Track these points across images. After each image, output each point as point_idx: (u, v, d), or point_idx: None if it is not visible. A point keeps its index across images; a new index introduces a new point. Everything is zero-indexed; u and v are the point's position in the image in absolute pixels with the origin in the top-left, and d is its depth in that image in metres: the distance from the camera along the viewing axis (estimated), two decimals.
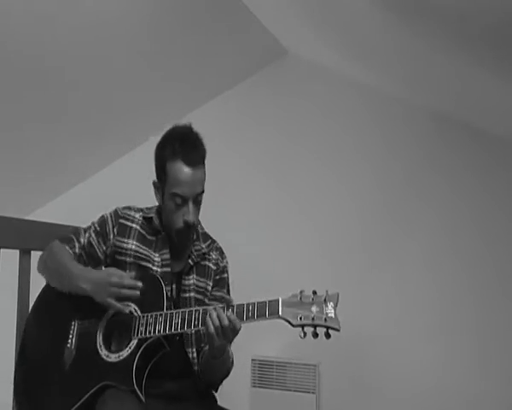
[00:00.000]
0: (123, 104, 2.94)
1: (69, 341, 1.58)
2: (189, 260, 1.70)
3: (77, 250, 1.68)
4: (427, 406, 2.68)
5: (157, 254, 1.66)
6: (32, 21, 2.20)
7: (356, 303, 2.86)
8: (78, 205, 3.22)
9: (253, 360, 2.90)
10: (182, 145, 1.62)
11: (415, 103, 2.86)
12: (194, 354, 1.65)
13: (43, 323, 1.66)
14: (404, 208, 2.84)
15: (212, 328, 1.43)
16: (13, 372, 1.73)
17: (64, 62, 2.49)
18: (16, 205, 3.00)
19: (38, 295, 1.72)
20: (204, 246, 1.75)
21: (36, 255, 1.86)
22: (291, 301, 1.44)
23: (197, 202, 1.64)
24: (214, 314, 1.44)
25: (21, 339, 1.67)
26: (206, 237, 1.79)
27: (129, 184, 3.17)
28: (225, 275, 1.79)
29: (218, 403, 1.72)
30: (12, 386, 1.73)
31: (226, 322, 1.43)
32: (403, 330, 2.76)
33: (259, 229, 3.04)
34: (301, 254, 2.97)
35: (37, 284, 1.81)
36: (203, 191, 1.66)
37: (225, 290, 1.77)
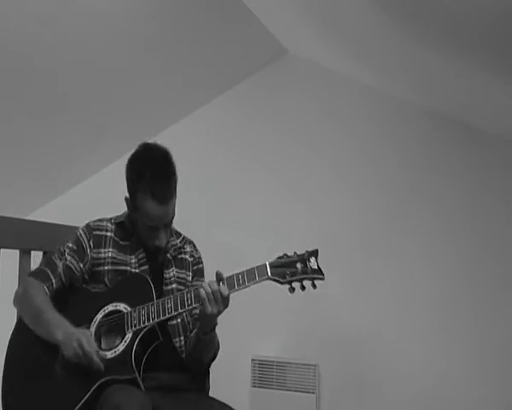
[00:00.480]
0: (123, 104, 2.95)
1: (59, 352, 1.53)
2: (168, 255, 1.75)
3: (54, 286, 1.64)
4: (426, 405, 2.68)
5: (133, 257, 1.70)
6: (32, 18, 2.20)
7: (355, 303, 2.86)
8: (78, 205, 3.22)
9: (252, 360, 2.90)
10: (153, 181, 1.59)
11: (414, 103, 2.87)
12: (182, 343, 1.69)
13: (29, 341, 1.60)
14: (403, 207, 2.84)
15: (204, 293, 1.51)
16: None
17: (64, 63, 2.49)
18: (16, 205, 3.00)
19: (15, 327, 1.67)
20: (178, 241, 1.81)
21: (36, 255, 1.86)
22: (277, 262, 1.59)
23: (167, 226, 1.68)
24: (206, 283, 1.53)
25: (6, 355, 1.62)
26: (178, 234, 1.85)
27: None
28: (201, 265, 1.86)
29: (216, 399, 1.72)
30: None
31: (216, 287, 1.51)
32: (402, 330, 2.76)
33: (259, 227, 3.04)
34: (301, 250, 2.96)
35: None
36: (174, 216, 1.69)
37: (203, 279, 1.83)
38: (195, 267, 1.83)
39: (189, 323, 1.73)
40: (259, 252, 2.96)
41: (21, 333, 1.64)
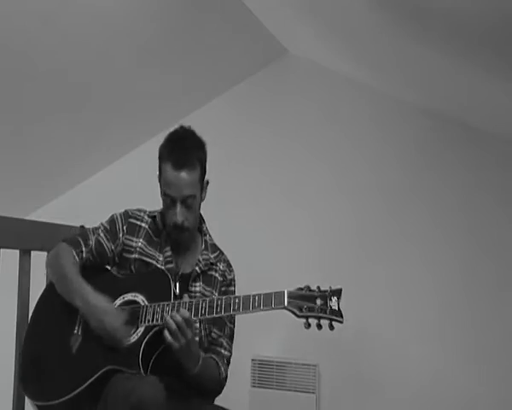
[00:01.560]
0: (123, 104, 2.95)
1: (76, 327, 1.59)
2: (197, 268, 1.71)
3: (84, 254, 1.68)
4: (426, 405, 2.68)
5: (161, 254, 1.69)
6: (34, 20, 2.20)
7: (355, 303, 2.86)
8: (78, 205, 3.22)
9: (252, 360, 2.90)
10: (172, 147, 1.66)
11: (413, 102, 2.87)
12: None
13: (50, 314, 1.67)
14: (401, 207, 2.85)
15: (166, 333, 1.49)
16: (13, 371, 1.74)
17: (65, 62, 2.49)
18: (16, 205, 3.00)
19: (45, 289, 1.73)
20: (212, 256, 1.77)
21: (36, 255, 1.86)
22: (296, 293, 1.52)
23: (187, 205, 1.65)
24: (169, 318, 1.49)
25: (28, 327, 1.68)
26: (215, 248, 1.81)
27: (129, 184, 3.17)
28: (232, 288, 1.81)
29: (216, 401, 1.73)
30: (12, 385, 1.74)
31: (179, 318, 1.48)
32: (402, 330, 2.77)
33: (258, 227, 3.04)
34: (299, 253, 2.97)
35: (38, 284, 1.81)
36: (194, 195, 1.67)
37: None
38: (224, 289, 1.78)
39: (204, 343, 1.71)
40: (257, 255, 2.98)
41: (47, 300, 1.69)
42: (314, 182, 3.03)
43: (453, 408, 2.64)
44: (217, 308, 1.52)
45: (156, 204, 1.79)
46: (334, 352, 2.86)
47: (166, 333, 1.48)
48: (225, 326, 1.76)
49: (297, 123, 3.09)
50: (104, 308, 1.53)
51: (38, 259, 1.88)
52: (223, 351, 1.73)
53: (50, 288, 1.69)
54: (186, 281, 1.69)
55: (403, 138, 2.89)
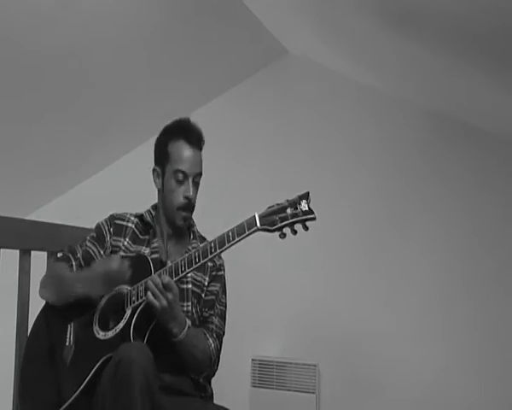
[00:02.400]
0: (123, 105, 2.95)
1: (67, 340, 1.60)
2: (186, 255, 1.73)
3: (74, 267, 1.72)
4: (426, 405, 2.68)
5: (147, 249, 1.74)
6: (33, 18, 2.20)
7: (355, 304, 2.86)
8: (79, 205, 3.22)
9: (253, 360, 2.90)
10: (184, 128, 1.77)
11: (413, 103, 2.87)
12: (189, 308, 1.71)
13: (43, 338, 1.67)
14: (402, 207, 2.84)
15: (150, 289, 1.53)
16: (13, 371, 1.74)
17: (65, 62, 2.49)
18: (16, 205, 3.00)
19: (35, 320, 1.73)
20: (200, 244, 1.79)
21: (36, 255, 1.86)
22: (266, 211, 1.53)
23: (195, 184, 1.75)
24: (148, 280, 1.54)
25: (22, 363, 1.68)
26: (203, 238, 1.86)
27: (129, 184, 3.17)
28: (222, 272, 1.85)
29: (216, 401, 1.73)
30: (12, 385, 1.74)
31: (157, 280, 1.52)
32: (402, 330, 2.76)
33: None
34: (299, 255, 2.96)
35: (38, 284, 1.81)
36: (201, 173, 1.78)
37: (219, 285, 1.81)
38: (214, 273, 1.82)
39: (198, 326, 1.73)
40: (259, 251, 2.98)
41: (36, 331, 1.69)
42: (314, 182, 3.02)
43: (454, 409, 2.64)
44: (195, 259, 1.54)
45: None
46: (334, 352, 2.86)
47: (149, 294, 1.52)
48: (215, 307, 1.79)
49: (297, 123, 3.09)
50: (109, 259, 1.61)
51: (38, 259, 1.88)
52: (211, 326, 1.75)
53: (39, 319, 1.71)
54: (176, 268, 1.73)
55: (403, 139, 2.89)
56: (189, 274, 1.71)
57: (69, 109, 2.79)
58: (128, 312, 1.55)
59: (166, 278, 1.52)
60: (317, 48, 2.90)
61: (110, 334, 1.55)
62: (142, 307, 1.55)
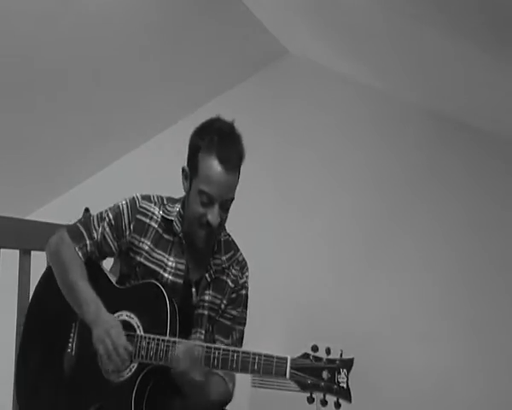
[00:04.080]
0: (123, 105, 2.94)
1: (69, 345, 1.52)
2: (207, 275, 1.58)
3: (88, 248, 1.56)
4: (426, 405, 2.68)
5: (171, 258, 1.55)
6: (32, 20, 2.20)
7: (355, 304, 2.86)
8: (78, 205, 3.21)
9: None
10: (220, 140, 1.49)
11: (414, 103, 2.87)
12: (202, 336, 1.59)
13: (44, 319, 1.60)
14: (403, 208, 2.84)
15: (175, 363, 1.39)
16: (13, 372, 1.74)
17: (65, 62, 2.49)
18: (16, 205, 3.00)
19: (38, 283, 1.65)
20: (225, 259, 1.62)
21: (36, 255, 1.86)
22: (300, 363, 1.36)
23: (224, 209, 1.51)
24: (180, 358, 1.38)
25: (21, 336, 1.62)
26: (229, 246, 1.65)
27: (129, 183, 3.16)
28: (243, 292, 1.65)
29: None
30: (12, 386, 1.73)
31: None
32: (402, 330, 2.76)
33: (257, 228, 3.03)
34: (299, 254, 2.96)
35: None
36: (233, 199, 1.55)
37: (240, 309, 1.64)
38: (234, 295, 1.62)
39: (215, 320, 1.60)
40: (258, 252, 2.97)
41: (44, 295, 1.62)
42: (315, 182, 3.02)
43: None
44: (213, 361, 1.37)
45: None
46: (333, 352, 2.85)
47: (175, 373, 1.38)
48: (233, 331, 1.62)
49: (297, 123, 3.09)
50: (111, 324, 1.43)
51: (38, 259, 1.88)
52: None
53: (47, 278, 1.61)
54: (196, 288, 1.58)
55: (403, 138, 2.88)
56: (207, 297, 1.57)
57: (69, 109, 2.79)
58: (134, 364, 1.42)
59: (194, 355, 1.36)
60: (317, 48, 2.90)
61: (113, 376, 1.44)
62: (149, 368, 1.43)
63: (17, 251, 1.84)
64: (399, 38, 2.20)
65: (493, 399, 2.58)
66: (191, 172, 1.51)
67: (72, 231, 1.59)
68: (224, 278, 1.61)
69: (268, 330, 3.00)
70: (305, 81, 3.09)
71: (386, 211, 2.86)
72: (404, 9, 1.85)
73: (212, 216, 1.46)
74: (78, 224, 1.62)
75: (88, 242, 1.56)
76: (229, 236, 1.68)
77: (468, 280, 2.69)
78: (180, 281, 1.55)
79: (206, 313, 1.58)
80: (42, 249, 1.87)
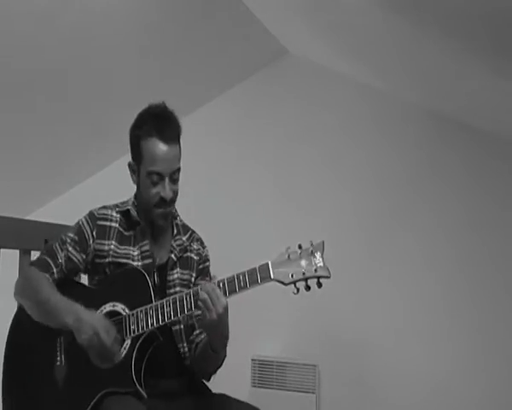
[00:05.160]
0: (123, 105, 2.94)
1: (57, 358, 1.52)
2: (172, 255, 1.67)
3: (56, 275, 1.59)
4: (426, 406, 2.67)
5: (136, 248, 1.62)
6: (32, 20, 2.20)
7: (355, 303, 2.86)
8: (78, 205, 3.21)
9: (253, 360, 2.90)
10: (156, 122, 1.60)
11: (414, 103, 2.87)
12: (186, 349, 1.64)
13: (26, 346, 1.59)
14: (404, 208, 2.84)
15: (200, 303, 1.44)
16: None
17: (65, 62, 2.49)
18: (16, 205, 3.00)
19: (12, 322, 1.64)
20: (184, 239, 1.72)
21: (36, 255, 1.86)
22: (280, 260, 1.47)
23: (173, 180, 1.61)
24: (203, 289, 1.45)
25: (3, 365, 1.58)
26: (186, 228, 1.77)
27: (129, 184, 3.16)
28: (207, 263, 1.78)
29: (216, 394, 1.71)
30: None
31: (214, 292, 1.42)
32: (402, 330, 2.76)
33: (259, 226, 3.04)
34: None
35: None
36: (179, 169, 1.63)
37: (208, 278, 1.73)
38: (201, 266, 1.75)
39: (191, 326, 1.68)
40: (259, 250, 2.97)
41: (19, 333, 1.61)
42: (315, 182, 3.02)
43: None
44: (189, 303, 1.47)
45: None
46: (334, 352, 2.86)
47: (199, 303, 1.43)
48: None
49: (297, 123, 3.09)
50: (97, 324, 1.44)
51: None
52: None
53: (19, 318, 1.61)
54: (164, 271, 1.65)
55: (404, 139, 2.89)
56: (176, 275, 1.66)
57: (69, 109, 2.79)
58: (127, 342, 1.47)
59: (216, 289, 1.43)
60: (318, 48, 2.90)
61: None
62: (143, 338, 1.47)
63: (17, 251, 1.84)
64: (399, 38, 2.20)
65: (495, 400, 2.58)
66: (137, 161, 1.65)
67: (38, 263, 1.62)
68: (188, 254, 1.72)
69: (268, 329, 3.00)
70: (305, 81, 3.09)
71: (387, 210, 2.86)
72: (403, 9, 1.85)
73: (165, 191, 1.58)
74: (42, 255, 1.64)
75: (54, 270, 1.59)
76: (182, 221, 1.79)
77: (470, 279, 2.68)
78: (149, 261, 1.62)
79: (177, 289, 1.64)
80: (42, 249, 1.88)
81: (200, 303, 1.44)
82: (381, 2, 1.88)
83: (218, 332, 1.48)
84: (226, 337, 1.52)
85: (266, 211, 3.06)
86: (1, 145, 2.73)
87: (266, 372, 2.88)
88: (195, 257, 1.74)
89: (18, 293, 1.62)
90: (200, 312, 1.46)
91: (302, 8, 2.39)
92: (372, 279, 2.85)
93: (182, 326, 1.64)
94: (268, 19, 2.74)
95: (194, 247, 1.75)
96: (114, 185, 3.26)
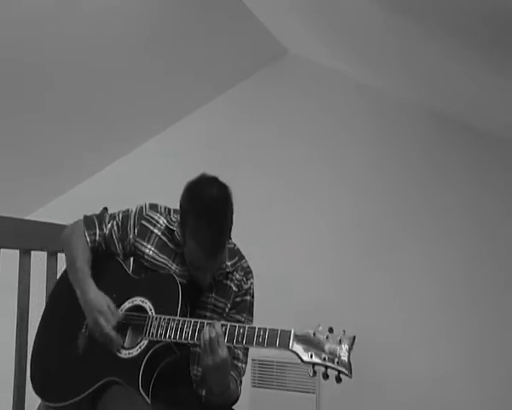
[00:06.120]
0: (123, 105, 2.94)
1: (83, 327, 1.57)
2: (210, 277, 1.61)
3: (96, 237, 1.63)
4: (426, 406, 2.67)
5: (175, 265, 1.60)
6: (34, 20, 2.20)
7: (355, 303, 2.86)
8: (78, 205, 3.21)
9: (253, 360, 2.89)
10: (204, 227, 1.46)
11: (414, 103, 2.87)
12: (198, 373, 1.59)
13: (63, 302, 1.66)
14: (404, 208, 2.84)
15: (201, 341, 1.41)
16: (13, 371, 1.74)
17: (65, 62, 2.49)
18: (16, 205, 3.00)
19: (62, 273, 1.72)
20: (229, 264, 1.65)
21: (36, 255, 1.86)
22: (304, 335, 1.38)
23: (214, 271, 1.57)
24: (206, 330, 1.41)
25: (43, 312, 1.68)
26: (234, 253, 1.69)
27: (129, 184, 3.17)
28: (247, 298, 1.67)
29: None
30: (12, 384, 1.74)
31: (212, 335, 1.39)
32: (402, 330, 2.76)
33: (257, 228, 3.03)
34: (300, 254, 2.96)
35: (38, 284, 1.81)
36: (223, 262, 1.60)
37: (245, 314, 1.66)
38: (238, 299, 1.65)
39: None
40: (259, 251, 2.97)
41: (59, 291, 1.69)
42: (315, 182, 3.02)
43: None
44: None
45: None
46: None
47: (200, 342, 1.41)
48: None
49: (297, 123, 3.09)
50: (99, 308, 1.49)
51: (38, 259, 1.88)
52: (239, 364, 1.63)
53: (63, 277, 1.69)
54: (197, 291, 1.60)
55: (405, 139, 2.88)
56: (210, 299, 1.60)
57: (69, 110, 2.79)
58: (144, 342, 1.47)
59: (220, 331, 1.40)
60: (317, 48, 2.90)
61: (123, 354, 1.48)
62: (159, 345, 1.47)
63: (17, 251, 1.84)
64: (399, 38, 2.20)
65: (494, 398, 2.58)
66: (183, 227, 1.53)
67: (87, 219, 1.69)
68: (228, 282, 1.64)
69: None
70: (305, 81, 3.09)
71: (387, 210, 2.86)
72: (403, 10, 1.85)
73: (203, 281, 1.56)
74: (94, 216, 1.70)
75: (98, 232, 1.64)
76: (235, 245, 1.71)
77: (470, 280, 2.68)
78: (184, 281, 1.57)
79: (208, 314, 1.59)
80: (42, 249, 1.88)
81: (201, 342, 1.41)
82: (381, 2, 1.88)
83: (212, 377, 1.45)
84: (223, 385, 1.49)
85: (264, 210, 3.06)
86: (1, 145, 2.73)
87: (266, 372, 2.88)
88: (235, 288, 1.64)
89: (62, 240, 1.70)
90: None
91: (302, 9, 2.39)
92: (372, 279, 2.85)
93: (208, 314, 1.60)
94: (268, 19, 2.74)
95: (237, 277, 1.65)
96: (114, 185, 3.28)
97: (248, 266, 1.70)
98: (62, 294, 1.67)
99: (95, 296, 1.52)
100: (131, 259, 1.71)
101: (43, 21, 2.23)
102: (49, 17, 2.22)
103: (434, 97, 2.76)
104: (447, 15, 1.72)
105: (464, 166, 2.76)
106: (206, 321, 1.45)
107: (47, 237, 1.88)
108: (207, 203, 1.50)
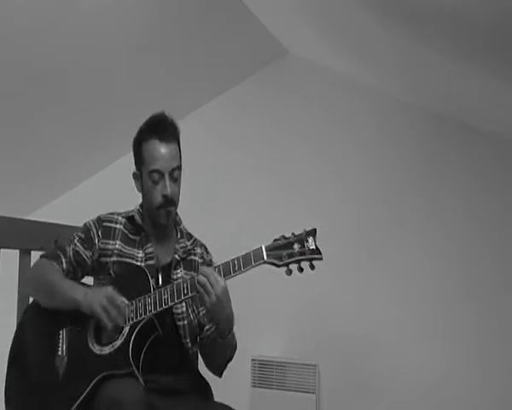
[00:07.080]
0: (123, 105, 2.94)
1: (59, 349, 1.56)
2: (176, 256, 1.72)
3: (64, 265, 1.67)
4: (426, 406, 2.67)
5: (140, 251, 1.69)
6: (34, 19, 2.20)
7: (355, 303, 2.86)
8: (79, 205, 3.22)
9: (253, 360, 2.90)
10: (155, 126, 1.72)
11: (414, 103, 2.87)
12: (189, 345, 1.68)
13: (31, 339, 1.64)
14: (403, 207, 2.84)
15: (199, 287, 1.49)
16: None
17: (66, 61, 2.49)
18: (16, 205, 3.00)
19: (23, 313, 1.70)
20: (188, 243, 1.78)
21: (36, 255, 1.86)
22: (273, 244, 1.53)
23: (174, 178, 1.68)
24: (201, 273, 1.51)
25: (9, 357, 1.63)
26: (190, 236, 1.83)
27: (129, 184, 3.16)
28: (212, 265, 1.79)
29: (216, 398, 1.72)
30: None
31: (210, 273, 1.49)
32: (402, 330, 2.76)
33: (259, 225, 3.03)
34: None
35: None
36: (179, 167, 1.71)
37: None
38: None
39: (196, 325, 1.71)
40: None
41: (24, 328, 1.66)
42: (315, 182, 3.02)
43: None
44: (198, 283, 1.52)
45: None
46: (334, 352, 2.86)
47: (198, 287, 1.49)
48: None
49: (297, 123, 3.09)
50: (103, 292, 1.52)
51: None
52: None
53: (26, 316, 1.67)
54: (167, 271, 1.70)
55: (404, 139, 2.88)
56: (180, 274, 1.70)
57: (69, 109, 2.79)
58: (126, 329, 1.51)
59: (218, 276, 1.50)
60: (318, 48, 2.90)
61: (107, 350, 1.51)
62: (141, 325, 1.51)
63: (17, 251, 1.84)
64: (399, 39, 2.20)
65: (492, 397, 2.58)
66: (139, 165, 1.75)
67: (48, 253, 1.72)
68: (192, 257, 1.78)
69: (268, 331, 3.00)
70: (306, 81, 3.09)
71: (387, 210, 2.86)
72: (403, 10, 1.85)
73: (166, 189, 1.65)
74: (52, 249, 1.74)
75: (63, 260, 1.68)
76: (186, 228, 1.84)
77: (470, 280, 2.68)
78: (152, 262, 1.67)
79: None
80: (42, 249, 1.88)
81: (199, 287, 1.49)
82: (381, 3, 1.88)
83: (222, 315, 1.53)
84: (231, 321, 1.58)
85: (266, 211, 3.06)
86: (1, 145, 2.73)
87: (266, 372, 2.88)
88: (199, 260, 1.79)
89: (28, 280, 1.72)
90: (195, 293, 1.51)
91: (302, 9, 2.39)
92: (372, 279, 2.85)
93: (185, 322, 1.68)
94: (268, 19, 2.75)
95: (198, 251, 1.81)
96: (114, 185, 3.27)
97: (205, 244, 1.87)
98: (26, 331, 1.65)
99: (91, 290, 1.57)
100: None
101: (41, 21, 2.23)
102: (48, 16, 2.22)
103: (434, 98, 2.76)
104: (446, 16, 1.72)
105: (464, 166, 2.76)
106: (178, 281, 1.56)
107: (47, 237, 1.88)
108: (149, 119, 1.78)
